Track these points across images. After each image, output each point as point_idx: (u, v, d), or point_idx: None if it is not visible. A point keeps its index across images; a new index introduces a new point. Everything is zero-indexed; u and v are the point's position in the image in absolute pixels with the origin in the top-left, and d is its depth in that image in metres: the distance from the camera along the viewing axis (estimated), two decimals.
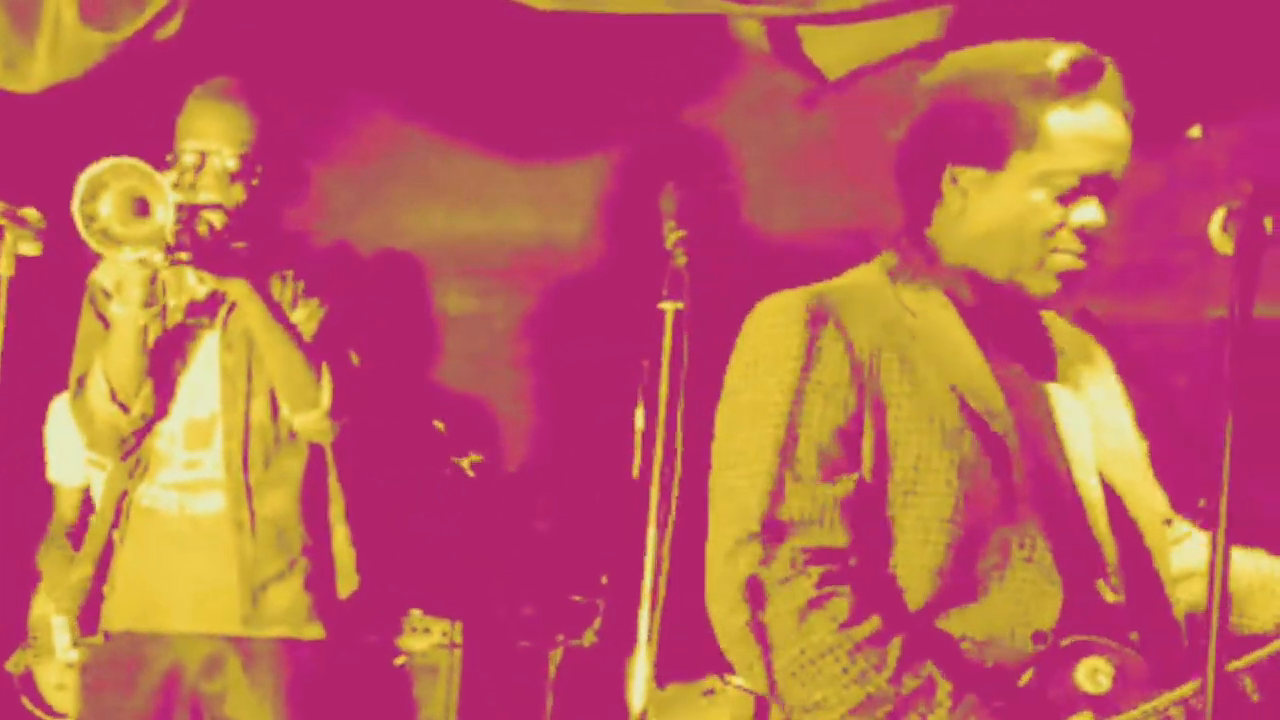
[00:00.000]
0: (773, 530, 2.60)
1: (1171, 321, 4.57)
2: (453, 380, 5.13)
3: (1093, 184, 2.67)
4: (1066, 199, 2.67)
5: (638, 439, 3.14)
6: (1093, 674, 2.57)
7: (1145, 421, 2.91)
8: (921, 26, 4.26)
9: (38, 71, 4.44)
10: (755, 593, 2.59)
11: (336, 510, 3.89)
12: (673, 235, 2.90)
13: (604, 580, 4.54)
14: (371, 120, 5.14)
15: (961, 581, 2.60)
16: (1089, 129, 2.67)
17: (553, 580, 4.73)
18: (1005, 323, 2.74)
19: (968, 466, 2.61)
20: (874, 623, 2.57)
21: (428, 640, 4.55)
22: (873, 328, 2.66)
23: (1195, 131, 2.59)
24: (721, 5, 4.26)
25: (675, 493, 2.79)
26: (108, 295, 3.84)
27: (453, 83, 5.00)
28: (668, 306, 2.87)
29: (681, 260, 2.86)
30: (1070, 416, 2.74)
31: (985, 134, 2.67)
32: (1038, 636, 2.58)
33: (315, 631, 3.83)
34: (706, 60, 4.86)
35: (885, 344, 2.66)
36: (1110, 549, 2.67)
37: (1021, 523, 2.60)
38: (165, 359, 3.85)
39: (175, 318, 3.89)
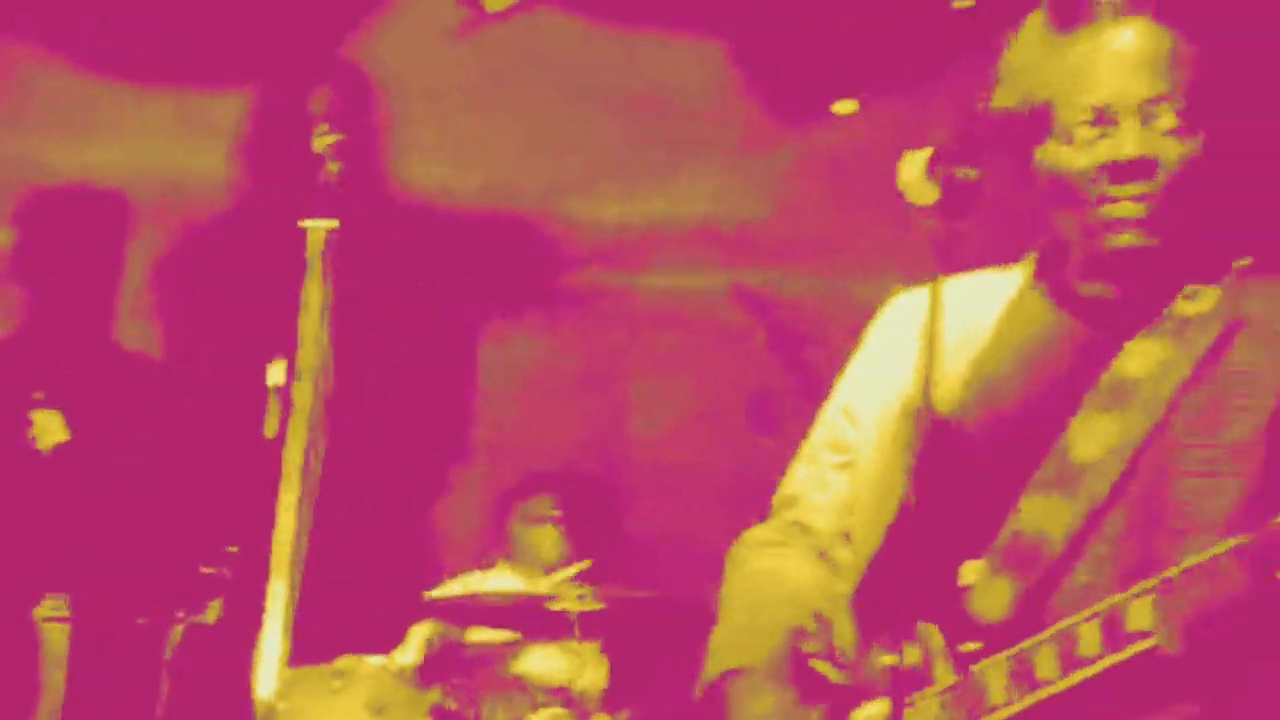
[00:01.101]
0: None
1: None
2: None
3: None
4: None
5: (273, 395, 2.88)
6: None
7: None
8: None
9: None
10: None
11: None
12: (324, 139, 2.60)
13: (232, 550, 4.26)
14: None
15: None
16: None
17: (176, 550, 4.42)
18: None
19: None
20: None
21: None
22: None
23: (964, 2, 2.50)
24: None
25: (318, 451, 2.53)
26: None
27: (88, 10, 4.66)
28: (315, 225, 2.58)
29: (334, 168, 2.57)
30: None
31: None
32: None
33: None
34: None
35: None
36: None
37: None
38: None
39: None
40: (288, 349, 2.81)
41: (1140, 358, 2.48)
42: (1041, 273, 2.57)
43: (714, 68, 4.84)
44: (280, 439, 2.81)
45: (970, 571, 2.36)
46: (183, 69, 4.74)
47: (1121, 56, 2.48)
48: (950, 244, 2.32)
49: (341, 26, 4.81)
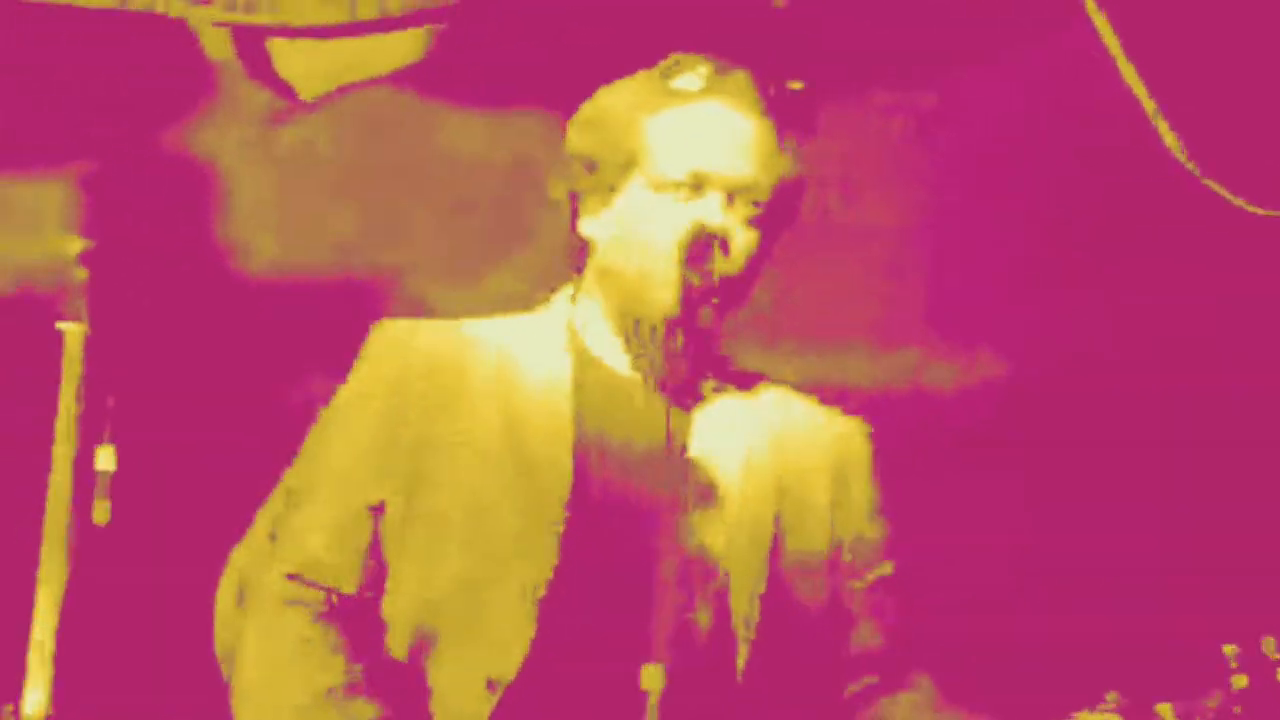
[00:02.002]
0: None
1: None
2: None
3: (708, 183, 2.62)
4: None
5: (101, 481, 2.94)
6: None
7: None
8: (404, 48, 4.15)
9: None
10: None
11: None
12: (74, 245, 2.69)
13: None
14: None
15: None
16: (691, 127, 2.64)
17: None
18: None
19: None
20: None
21: None
22: None
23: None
24: (185, 9, 4.05)
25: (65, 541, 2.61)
26: None
27: None
28: (67, 328, 2.67)
29: (82, 276, 2.66)
30: None
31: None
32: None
33: None
34: (176, 75, 4.63)
35: None
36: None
37: None
38: None
39: None
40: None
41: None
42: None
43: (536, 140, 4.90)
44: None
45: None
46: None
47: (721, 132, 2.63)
48: None
49: (162, 115, 4.83)
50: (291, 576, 2.57)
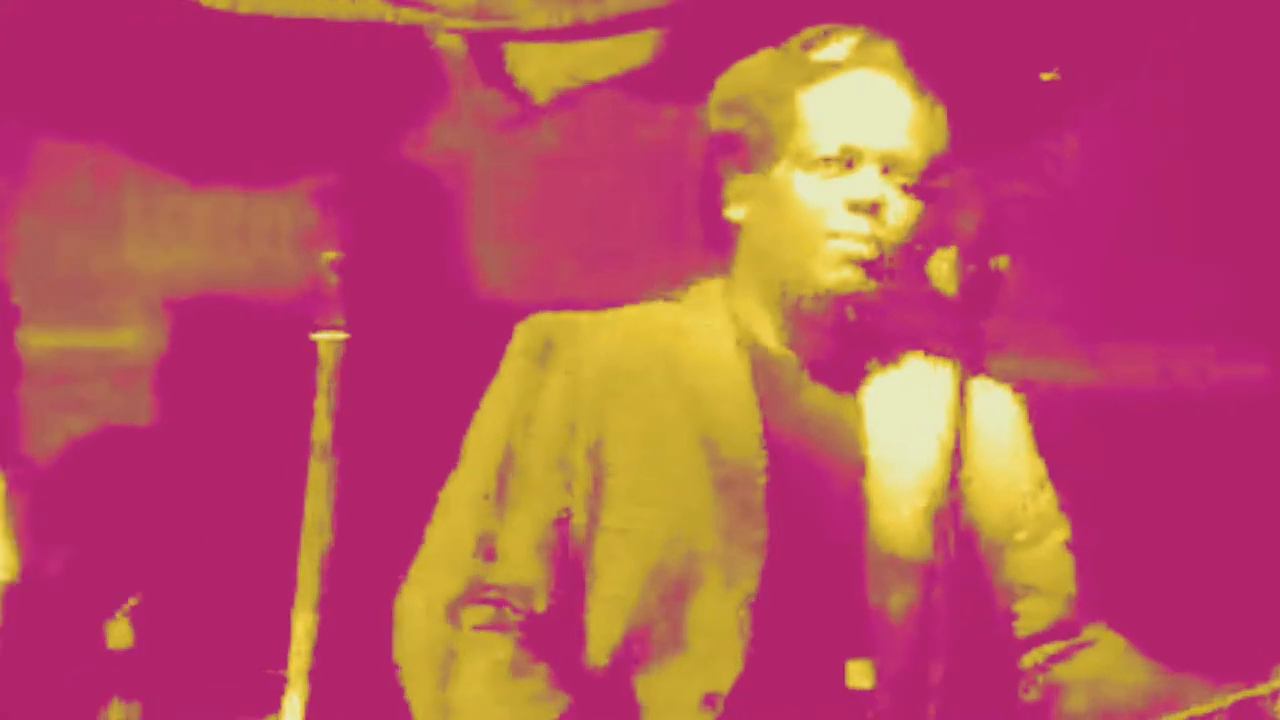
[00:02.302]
0: None
1: None
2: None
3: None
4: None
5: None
6: None
7: None
8: (632, 51, 4.15)
9: None
10: None
11: None
12: (326, 255, 2.71)
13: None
14: (57, 144, 4.87)
15: None
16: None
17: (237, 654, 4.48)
18: None
19: None
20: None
21: None
22: None
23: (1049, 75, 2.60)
24: (419, 17, 4.09)
25: (325, 550, 2.62)
26: None
27: (127, 103, 4.75)
28: (321, 338, 2.69)
29: (334, 283, 2.67)
30: None
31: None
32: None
33: None
34: (409, 81, 4.68)
35: None
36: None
37: None
38: None
39: None
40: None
41: None
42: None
43: None
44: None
45: None
46: (236, 170, 4.82)
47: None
48: (976, 337, 2.34)
49: (400, 123, 4.88)
50: (483, 599, 2.51)
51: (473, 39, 4.24)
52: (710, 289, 2.65)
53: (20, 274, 4.56)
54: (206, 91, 4.74)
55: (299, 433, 2.93)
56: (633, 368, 2.53)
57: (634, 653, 2.47)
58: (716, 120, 2.64)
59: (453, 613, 2.50)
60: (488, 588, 2.50)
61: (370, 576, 2.70)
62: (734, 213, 2.61)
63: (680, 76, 4.19)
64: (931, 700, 2.30)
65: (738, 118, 2.59)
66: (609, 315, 2.63)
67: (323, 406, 2.73)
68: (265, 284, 4.82)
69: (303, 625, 2.76)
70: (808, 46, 2.61)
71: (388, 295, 2.88)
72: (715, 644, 2.43)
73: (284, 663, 4.38)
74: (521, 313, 4.80)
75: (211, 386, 4.89)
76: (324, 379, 2.73)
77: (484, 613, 2.49)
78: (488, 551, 2.51)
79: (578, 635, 2.50)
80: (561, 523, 2.51)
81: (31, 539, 4.32)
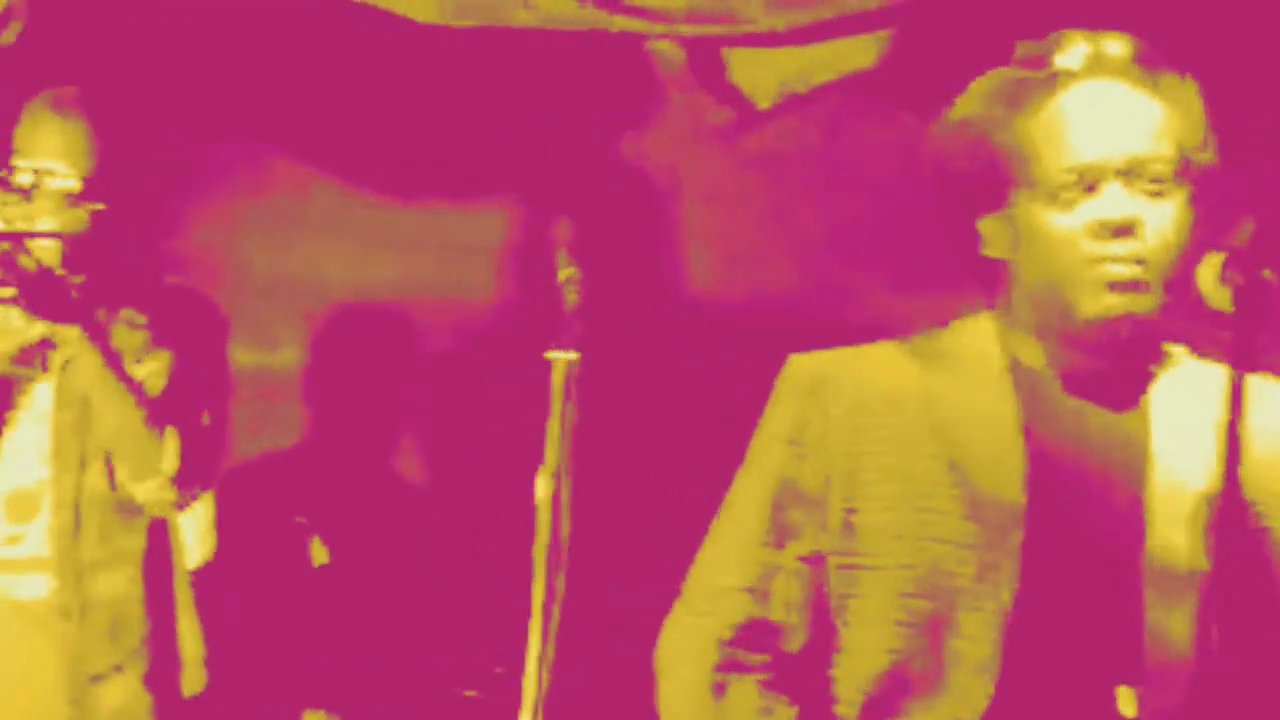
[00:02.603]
0: None
1: None
2: None
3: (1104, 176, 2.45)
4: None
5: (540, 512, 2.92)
6: None
7: None
8: (857, 53, 4.09)
9: None
10: None
11: (183, 596, 3.63)
12: (564, 272, 2.65)
13: (498, 672, 4.32)
14: (253, 154, 4.91)
15: None
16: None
17: (441, 670, 4.49)
18: None
19: None
20: None
21: None
22: None
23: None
24: (635, 24, 4.06)
25: (560, 573, 2.58)
26: None
27: (343, 116, 4.78)
28: (556, 357, 2.63)
29: (572, 300, 2.62)
30: None
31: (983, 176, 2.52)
32: None
33: None
34: (622, 88, 4.65)
35: None
36: None
37: None
38: None
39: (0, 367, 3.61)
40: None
41: None
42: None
43: None
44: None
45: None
46: (447, 182, 4.84)
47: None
48: (1247, 348, 2.25)
49: (608, 135, 4.87)
50: (732, 642, 2.50)
51: (691, 45, 4.21)
52: (978, 321, 2.59)
53: (217, 287, 4.61)
54: (409, 104, 4.76)
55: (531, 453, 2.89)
56: (886, 402, 2.51)
57: (887, 691, 2.44)
58: (944, 157, 2.56)
59: (714, 649, 2.50)
60: (747, 626, 2.50)
61: (603, 601, 2.67)
62: (991, 251, 2.54)
63: (905, 79, 4.13)
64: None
65: (965, 157, 2.52)
66: (867, 350, 2.61)
67: (555, 429, 2.67)
68: (453, 295, 4.85)
69: (534, 651, 2.70)
70: (1031, 63, 2.50)
71: (613, 309, 2.81)
72: (969, 676, 2.38)
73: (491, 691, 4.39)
74: (738, 323, 4.83)
75: (390, 398, 4.92)
76: (557, 399, 2.66)
77: (741, 652, 2.49)
78: (749, 590, 2.51)
79: (825, 676, 2.49)
80: (815, 560, 2.50)
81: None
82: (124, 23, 4.42)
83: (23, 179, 3.51)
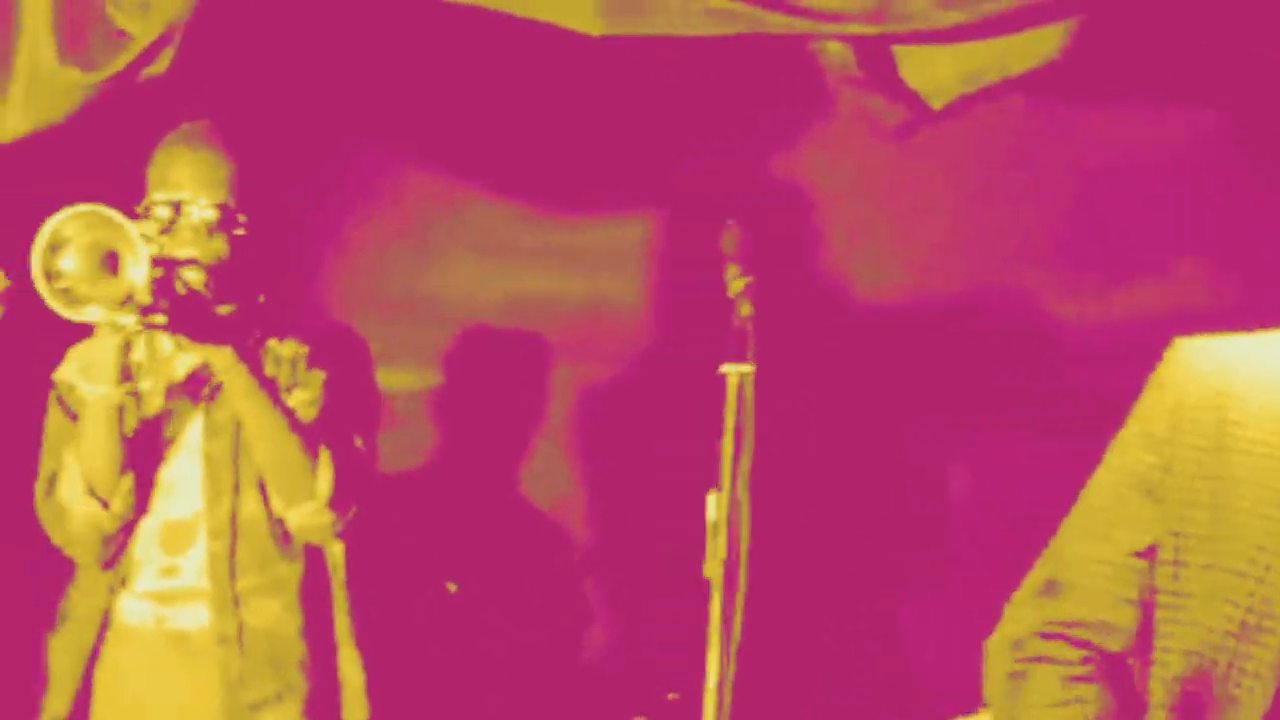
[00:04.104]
0: None
1: None
2: None
3: None
4: None
5: (710, 531, 2.94)
6: None
7: None
8: (1042, 45, 4.03)
9: (10, 119, 4.28)
10: None
11: (342, 624, 3.69)
12: (736, 283, 2.68)
13: (672, 697, 4.34)
14: (394, 170, 4.97)
15: None
16: None
17: (613, 699, 4.52)
18: None
19: None
20: None
21: None
22: None
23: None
24: (801, 24, 4.04)
25: (741, 591, 2.60)
26: (74, 390, 3.70)
27: (488, 127, 4.83)
28: (731, 370, 2.66)
29: (746, 312, 2.64)
30: None
31: None
32: None
33: None
34: (786, 91, 4.66)
35: None
36: None
37: None
38: (142, 450, 3.68)
39: (153, 403, 3.73)
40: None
41: None
42: None
43: (1191, 141, 4.72)
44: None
45: None
46: (589, 193, 4.87)
47: None
48: None
49: (769, 129, 4.88)
50: (1047, 634, 2.51)
51: (860, 44, 4.18)
52: None
53: (358, 306, 4.68)
54: (562, 114, 4.80)
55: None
56: (1252, 395, 2.48)
57: (1189, 706, 2.44)
58: None
59: (1028, 639, 2.53)
60: (1068, 622, 2.52)
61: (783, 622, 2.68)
62: None
63: (1091, 72, 4.09)
64: None
65: None
66: (1251, 338, 2.57)
67: (729, 445, 2.70)
68: (612, 308, 4.88)
69: (713, 674, 2.73)
70: None
71: (783, 319, 2.82)
72: (1257, 689, 2.40)
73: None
74: (915, 329, 4.82)
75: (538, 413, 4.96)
76: (730, 414, 2.69)
77: (1055, 644, 2.52)
78: (1076, 584, 2.52)
79: (1135, 688, 2.50)
80: (1143, 558, 2.50)
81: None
82: (272, 40, 4.49)
83: (161, 212, 3.62)
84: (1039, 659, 2.50)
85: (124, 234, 3.43)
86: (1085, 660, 2.49)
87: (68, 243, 3.44)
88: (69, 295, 3.44)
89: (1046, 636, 2.51)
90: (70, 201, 3.50)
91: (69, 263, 3.44)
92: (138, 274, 3.41)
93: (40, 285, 3.43)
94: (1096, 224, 4.81)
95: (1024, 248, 4.83)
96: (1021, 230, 4.83)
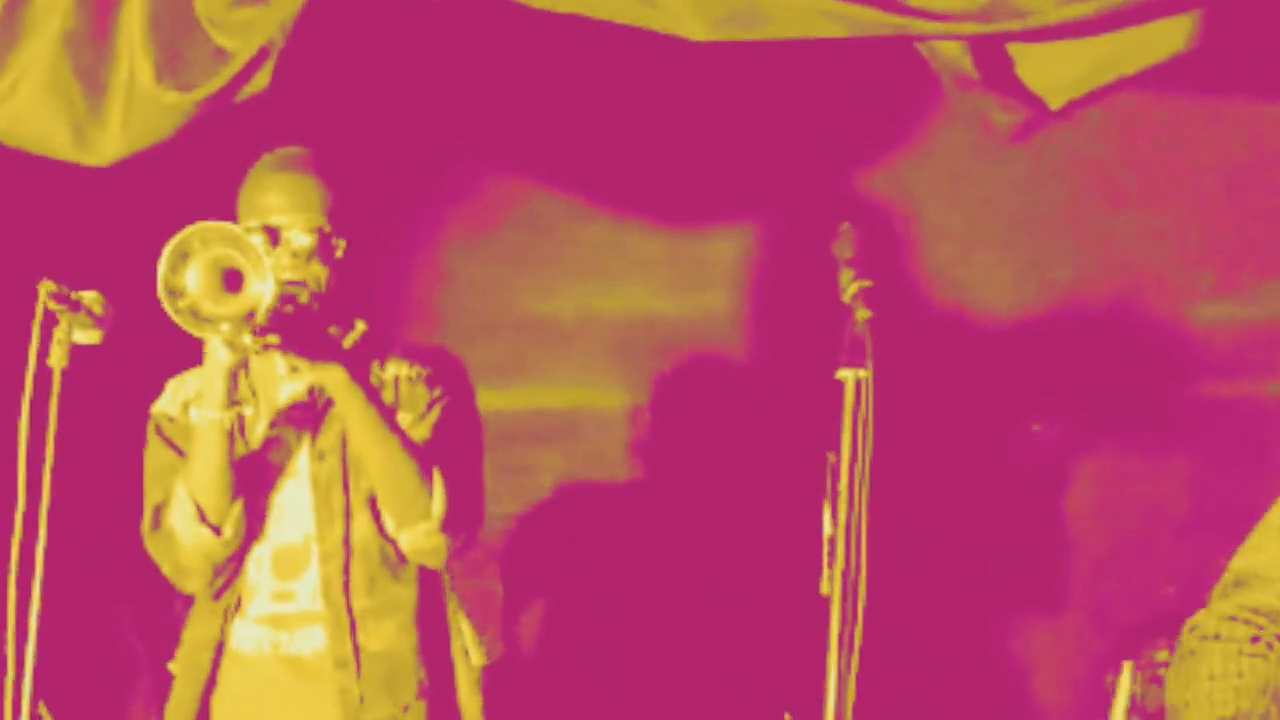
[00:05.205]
0: None
1: None
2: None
3: None
4: None
5: (826, 546, 2.97)
6: None
7: None
8: (1168, 37, 4.00)
9: (109, 141, 4.33)
10: None
11: (458, 645, 3.74)
12: (852, 286, 2.72)
13: (787, 718, 4.36)
14: (493, 186, 5.03)
15: None
16: None
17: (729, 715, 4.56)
18: None
19: None
20: None
21: None
22: None
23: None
24: (914, 25, 4.04)
25: (860, 605, 2.62)
26: (173, 421, 3.77)
27: (588, 140, 4.88)
28: (848, 375, 2.69)
29: (864, 316, 2.68)
30: None
31: None
32: None
33: None
34: (894, 93, 4.69)
35: None
36: None
37: None
38: (252, 476, 3.74)
39: (257, 430, 3.79)
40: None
41: None
42: None
43: None
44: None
45: None
46: (685, 206, 4.91)
47: None
48: None
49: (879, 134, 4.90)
50: (1229, 618, 2.72)
51: (975, 43, 4.18)
52: None
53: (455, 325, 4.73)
54: (670, 123, 4.84)
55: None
56: None
57: None
58: None
59: (1214, 620, 2.74)
60: (1250, 610, 2.74)
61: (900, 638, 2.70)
62: None
63: (1218, 67, 4.09)
64: None
65: None
66: None
67: (846, 453, 2.74)
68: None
69: (832, 692, 2.76)
70: None
71: (898, 324, 2.85)
72: None
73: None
74: (1031, 334, 4.83)
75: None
76: (848, 421, 2.73)
77: (1234, 627, 2.73)
78: (1249, 578, 2.74)
79: None
80: None
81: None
82: (366, 58, 4.56)
83: (255, 240, 3.67)
84: (1213, 638, 2.70)
85: (250, 250, 3.47)
86: (1254, 639, 2.68)
87: (192, 257, 3.47)
88: (195, 313, 3.48)
89: (1226, 620, 2.72)
90: (175, 226, 3.54)
91: (192, 279, 3.48)
92: (265, 290, 3.45)
93: (165, 302, 3.47)
94: (1217, 227, 4.81)
95: (1143, 251, 4.84)
96: (1140, 233, 4.83)
